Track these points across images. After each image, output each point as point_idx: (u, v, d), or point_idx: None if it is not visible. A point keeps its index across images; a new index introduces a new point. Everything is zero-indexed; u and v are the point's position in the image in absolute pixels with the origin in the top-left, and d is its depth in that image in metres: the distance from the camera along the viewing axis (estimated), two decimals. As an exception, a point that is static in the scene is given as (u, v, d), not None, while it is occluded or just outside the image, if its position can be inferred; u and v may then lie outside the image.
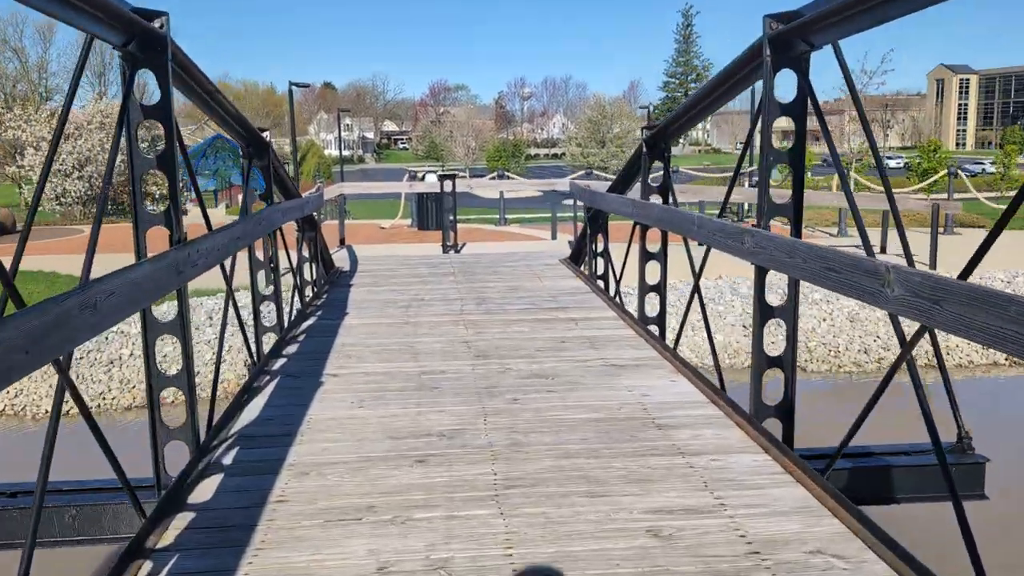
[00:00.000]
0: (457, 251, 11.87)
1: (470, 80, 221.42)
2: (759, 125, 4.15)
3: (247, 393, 4.96)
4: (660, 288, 6.48)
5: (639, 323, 6.50)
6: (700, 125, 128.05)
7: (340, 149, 52.72)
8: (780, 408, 4.01)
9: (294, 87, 34.92)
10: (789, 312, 4.10)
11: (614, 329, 6.57)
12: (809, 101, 4.06)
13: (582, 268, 9.43)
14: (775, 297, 4.77)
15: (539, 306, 7.50)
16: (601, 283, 8.59)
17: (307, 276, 8.30)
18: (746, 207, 20.22)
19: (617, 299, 7.69)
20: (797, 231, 4.19)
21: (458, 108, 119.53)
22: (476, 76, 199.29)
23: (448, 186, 11.81)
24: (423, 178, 18.66)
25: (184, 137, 4.37)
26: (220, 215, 25.48)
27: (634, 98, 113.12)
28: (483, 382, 5.06)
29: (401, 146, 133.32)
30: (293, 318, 7.13)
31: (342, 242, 12.96)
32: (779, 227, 4.22)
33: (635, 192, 7.17)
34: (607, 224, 8.51)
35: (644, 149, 6.45)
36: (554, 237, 13.30)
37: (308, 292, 8.29)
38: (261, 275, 6.45)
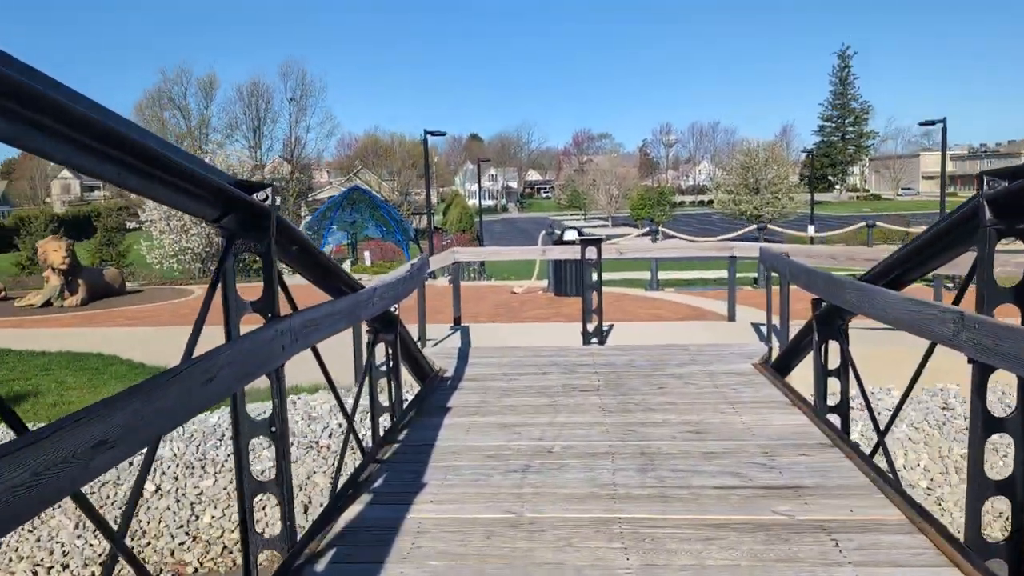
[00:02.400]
0: (602, 341, 8.79)
1: (614, 128, 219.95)
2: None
3: None
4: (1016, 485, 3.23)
5: (975, 555, 3.24)
6: (857, 170, 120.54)
7: (480, 199, 51.13)
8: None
9: (429, 135, 33.29)
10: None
11: (915, 555, 3.34)
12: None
13: (801, 391, 6.20)
14: None
15: (749, 481, 4.32)
16: (836, 418, 5.35)
17: (383, 400, 5.51)
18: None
19: (887, 466, 4.43)
20: None
21: (601, 156, 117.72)
22: (620, 124, 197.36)
23: (591, 253, 8.82)
24: (562, 236, 15.68)
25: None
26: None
27: (786, 143, 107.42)
28: None
29: (544, 195, 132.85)
30: (339, 490, 4.30)
31: (456, 321, 10.17)
32: None
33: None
34: (847, 328, 5.28)
35: (987, 215, 3.17)
36: (732, 317, 9.98)
37: (383, 422, 5.49)
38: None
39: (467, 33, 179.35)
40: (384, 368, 5.67)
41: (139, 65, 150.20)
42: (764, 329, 9.12)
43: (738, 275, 18.49)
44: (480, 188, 51.04)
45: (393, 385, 5.64)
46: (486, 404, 6.11)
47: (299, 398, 8.47)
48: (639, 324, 11.14)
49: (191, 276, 21.52)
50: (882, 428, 4.63)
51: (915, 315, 3.64)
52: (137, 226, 22.20)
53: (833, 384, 5.38)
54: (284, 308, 3.87)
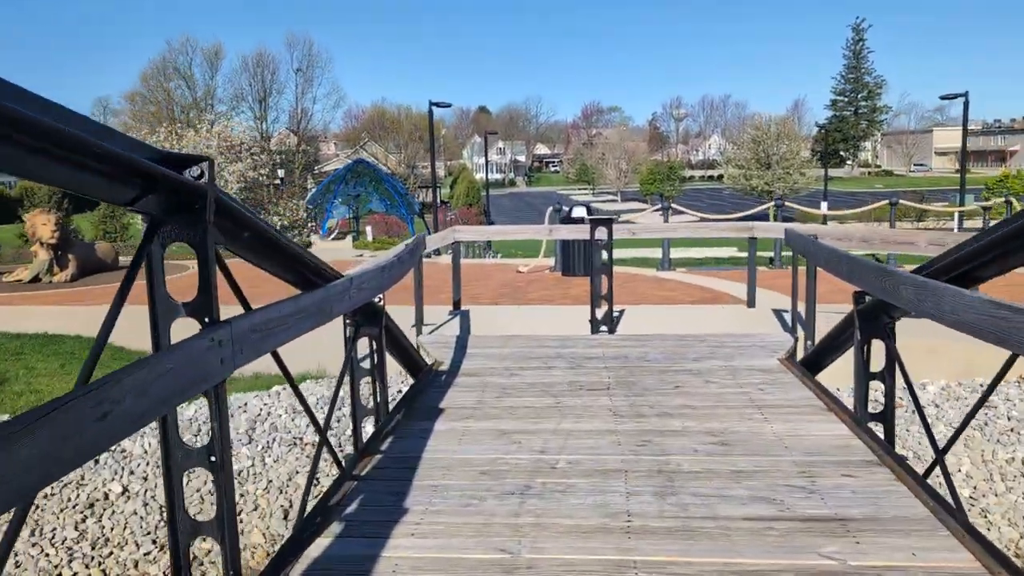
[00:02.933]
0: (612, 329, 8.10)
1: (624, 102, 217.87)
2: None
3: None
4: None
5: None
6: (869, 146, 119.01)
7: (487, 173, 50.29)
8: None
9: (435, 107, 32.50)
10: None
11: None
12: None
13: (831, 390, 5.53)
14: None
15: (787, 510, 3.66)
16: (879, 428, 4.69)
17: (366, 404, 4.86)
18: None
19: (948, 493, 3.77)
20: None
21: (610, 130, 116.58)
22: (630, 97, 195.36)
23: (601, 234, 8.13)
24: (570, 213, 14.98)
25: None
26: (347, 247, 22.91)
27: (798, 117, 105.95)
28: None
29: (552, 169, 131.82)
30: (307, 515, 3.67)
31: (456, 305, 9.51)
32: None
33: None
34: (893, 327, 4.60)
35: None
36: (752, 303, 9.29)
37: (366, 427, 4.84)
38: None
39: (476, 5, 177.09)
40: (369, 364, 5.02)
41: (144, 35, 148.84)
42: (788, 317, 8.43)
43: (745, 255, 17.78)
44: (487, 162, 50.26)
45: (377, 385, 5.00)
46: (483, 405, 5.46)
47: (284, 388, 7.84)
48: (651, 308, 10.45)
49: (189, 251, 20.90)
50: (941, 445, 3.98)
51: (1002, 322, 2.96)
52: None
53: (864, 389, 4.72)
54: (235, 307, 3.21)
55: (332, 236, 36.25)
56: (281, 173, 46.44)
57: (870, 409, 4.86)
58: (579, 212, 15.40)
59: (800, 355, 7.00)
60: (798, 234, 7.32)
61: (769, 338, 7.37)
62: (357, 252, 21.04)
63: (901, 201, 15.75)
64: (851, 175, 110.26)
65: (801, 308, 7.44)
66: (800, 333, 7.51)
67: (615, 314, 8.37)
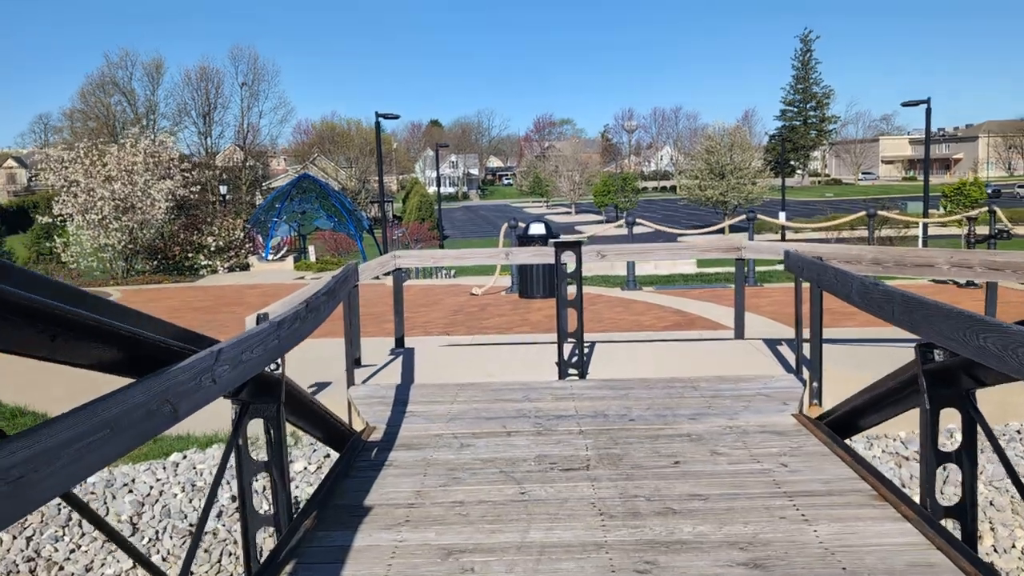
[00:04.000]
0: (583, 373, 6.77)
1: (576, 114, 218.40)
2: None
3: None
4: None
5: None
6: (818, 154, 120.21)
7: (439, 186, 48.86)
8: None
9: (382, 118, 31.10)
10: None
11: None
12: None
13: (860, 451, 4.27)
14: None
15: None
16: (955, 527, 3.46)
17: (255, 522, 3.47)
18: None
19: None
20: None
21: (563, 142, 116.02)
22: (582, 109, 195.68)
23: (567, 259, 6.80)
24: (527, 230, 13.69)
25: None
26: (288, 268, 21.34)
27: (749, 127, 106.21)
28: None
29: (506, 182, 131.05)
30: None
31: (399, 343, 8.13)
32: None
33: None
34: (975, 392, 3.38)
35: None
36: (740, 333, 8.06)
37: (263, 541, 3.45)
38: None
39: (429, 21, 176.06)
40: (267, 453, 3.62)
41: (81, 50, 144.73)
42: (784, 351, 7.22)
43: (712, 270, 16.61)
44: (439, 175, 48.80)
45: (277, 485, 3.60)
46: (424, 500, 4.08)
47: (184, 456, 6.35)
48: (624, 341, 9.18)
49: (113, 276, 19.15)
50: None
51: None
52: (51, 220, 19.75)
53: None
54: None
55: (279, 255, 34.47)
56: (224, 190, 44.56)
57: (941, 498, 3.62)
58: (537, 229, 14.13)
59: (807, 401, 5.77)
60: (803, 258, 6.10)
61: (773, 383, 6.11)
62: (298, 274, 19.49)
63: (880, 212, 14.76)
64: (801, 184, 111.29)
65: (804, 341, 6.23)
66: (805, 373, 6.29)
67: (586, 356, 7.06)
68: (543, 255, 7.78)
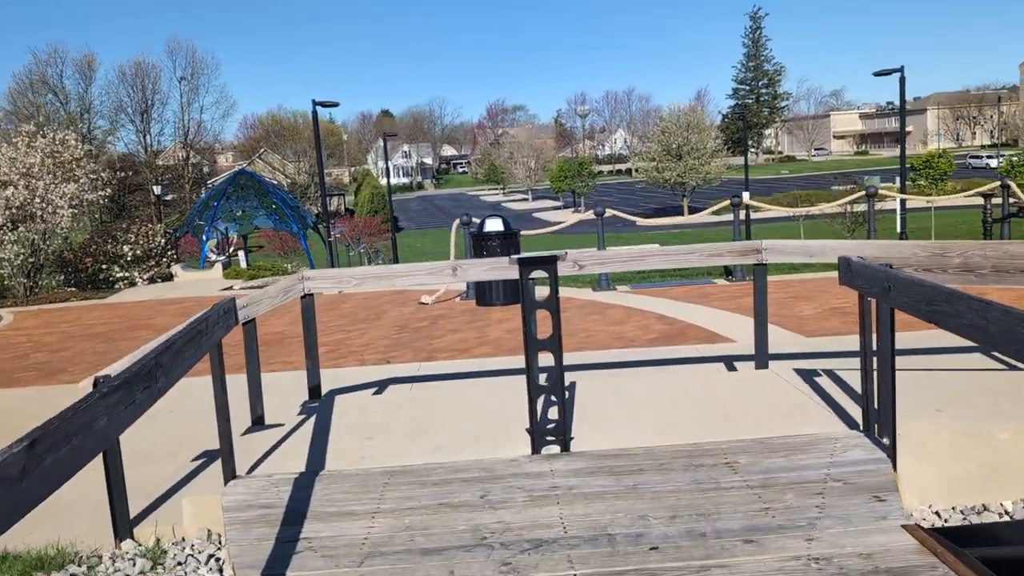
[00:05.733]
0: (565, 443, 4.77)
1: (529, 100, 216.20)
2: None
3: None
4: None
5: None
6: (771, 131, 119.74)
7: (388, 177, 46.52)
8: None
9: (320, 107, 28.75)
10: None
11: None
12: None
13: None
14: None
15: None
16: None
17: None
18: None
19: None
20: None
21: (517, 128, 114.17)
22: (535, 95, 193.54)
23: (539, 278, 4.82)
24: (482, 227, 11.71)
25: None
26: (216, 277, 19.03)
27: (702, 107, 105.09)
28: None
29: (460, 170, 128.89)
30: None
31: (313, 393, 6.11)
32: None
33: None
34: None
35: None
36: (762, 361, 6.15)
37: None
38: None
39: (375, 9, 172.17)
40: None
41: (11, 46, 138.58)
42: (827, 387, 5.34)
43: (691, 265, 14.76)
44: (388, 165, 46.44)
45: None
46: None
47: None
48: (607, 367, 7.26)
49: (13, 295, 16.71)
50: None
51: None
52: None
53: None
54: None
55: (224, 257, 31.98)
56: (158, 190, 41.80)
57: None
58: (493, 225, 12.12)
59: (906, 493, 3.89)
60: (872, 269, 4.20)
61: (842, 453, 4.17)
62: (226, 284, 17.23)
63: (880, 189, 13.05)
64: (756, 162, 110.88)
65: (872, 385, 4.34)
66: (874, 428, 4.40)
67: (567, 405, 5.08)
68: (502, 269, 5.79)
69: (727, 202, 12.67)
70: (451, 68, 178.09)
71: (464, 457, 4.47)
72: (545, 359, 4.80)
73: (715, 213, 18.47)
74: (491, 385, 6.81)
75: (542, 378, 4.82)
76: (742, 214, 13.50)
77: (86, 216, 19.00)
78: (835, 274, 4.85)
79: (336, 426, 5.44)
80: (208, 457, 5.09)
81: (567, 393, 5.24)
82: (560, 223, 18.79)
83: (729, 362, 7.17)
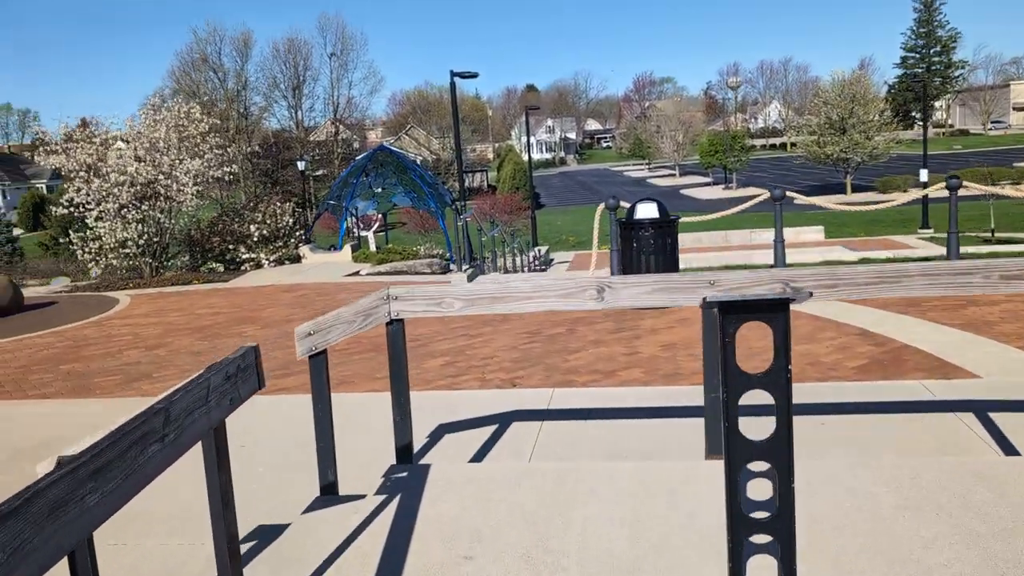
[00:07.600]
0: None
1: (677, 72, 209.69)
2: None
3: None
4: None
5: None
6: (940, 104, 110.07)
7: (529, 152, 44.84)
8: None
9: (458, 78, 27.36)
10: None
11: None
12: None
13: None
14: None
15: None
16: None
17: None
18: None
19: None
20: None
21: (664, 101, 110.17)
22: (684, 67, 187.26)
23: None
24: (633, 213, 9.78)
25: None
26: (345, 260, 17.91)
27: (867, 76, 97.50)
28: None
29: (604, 145, 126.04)
30: None
31: (403, 453, 4.40)
32: None
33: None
34: None
35: None
36: (1011, 447, 3.94)
37: None
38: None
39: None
40: None
41: (162, 28, 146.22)
42: None
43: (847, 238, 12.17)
44: (530, 140, 44.88)
45: None
46: None
47: None
48: (807, 413, 5.20)
49: (139, 276, 16.11)
50: None
51: None
52: (71, 209, 16.75)
53: None
54: None
55: (373, 231, 31.37)
56: (302, 165, 41.83)
57: None
58: (646, 210, 10.17)
59: None
60: None
61: None
62: (354, 268, 16.01)
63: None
64: (927, 137, 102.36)
65: None
66: None
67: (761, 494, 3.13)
68: (673, 291, 3.87)
69: (942, 184, 10.11)
70: (599, 40, 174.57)
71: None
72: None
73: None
74: (647, 440, 4.91)
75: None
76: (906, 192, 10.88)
77: (217, 190, 18.23)
78: None
79: (425, 519, 3.71)
80: (260, 540, 3.50)
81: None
82: (710, 205, 16.48)
83: (982, 412, 4.96)
